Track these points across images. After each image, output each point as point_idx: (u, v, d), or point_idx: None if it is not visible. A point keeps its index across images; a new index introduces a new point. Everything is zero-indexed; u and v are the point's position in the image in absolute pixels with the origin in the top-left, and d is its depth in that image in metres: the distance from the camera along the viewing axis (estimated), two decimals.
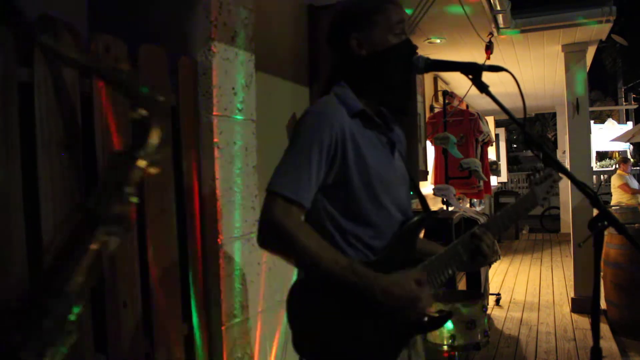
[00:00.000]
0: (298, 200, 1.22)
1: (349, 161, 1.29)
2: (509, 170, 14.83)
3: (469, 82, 1.36)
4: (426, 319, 1.32)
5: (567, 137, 5.38)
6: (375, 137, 1.39)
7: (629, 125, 15.14)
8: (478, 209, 6.69)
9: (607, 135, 13.49)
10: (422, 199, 1.50)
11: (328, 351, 1.28)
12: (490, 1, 3.95)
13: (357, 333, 1.27)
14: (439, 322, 1.37)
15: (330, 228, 1.33)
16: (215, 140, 1.91)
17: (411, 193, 1.53)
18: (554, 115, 15.55)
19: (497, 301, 5.37)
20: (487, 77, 1.34)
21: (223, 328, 1.90)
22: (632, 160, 11.26)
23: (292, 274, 2.46)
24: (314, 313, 1.29)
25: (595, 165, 13.78)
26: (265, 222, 1.23)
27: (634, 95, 18.66)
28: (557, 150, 10.89)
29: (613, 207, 7.00)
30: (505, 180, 12.42)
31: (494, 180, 8.70)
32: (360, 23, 1.37)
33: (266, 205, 1.23)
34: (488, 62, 4.12)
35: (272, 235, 1.23)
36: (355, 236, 1.33)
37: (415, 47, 1.40)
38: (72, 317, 0.85)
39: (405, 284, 1.24)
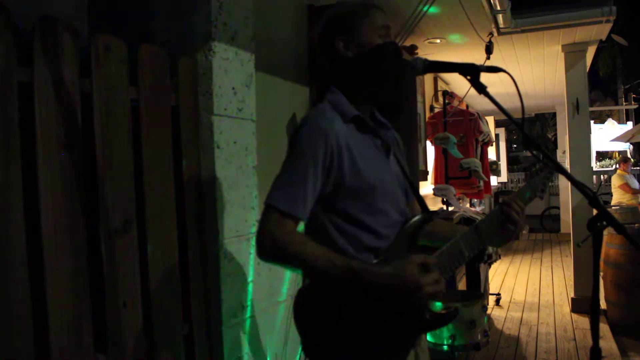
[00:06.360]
0: (292, 214, 1.25)
1: (345, 169, 1.31)
2: (509, 170, 14.81)
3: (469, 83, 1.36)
4: (429, 316, 1.31)
5: (567, 137, 5.38)
6: (370, 141, 1.41)
7: (629, 125, 15.13)
8: (478, 209, 6.68)
9: (607, 135, 13.48)
10: (421, 200, 1.50)
11: (339, 354, 1.28)
12: (490, 1, 3.95)
13: (366, 334, 1.27)
14: (446, 319, 1.36)
15: (333, 233, 1.34)
16: (215, 140, 1.91)
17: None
18: (554, 115, 15.54)
19: (497, 301, 5.37)
20: (487, 77, 1.34)
21: (223, 328, 1.90)
22: (632, 160, 11.25)
23: (292, 274, 2.46)
24: (322, 316, 1.29)
25: (595, 165, 13.77)
26: (259, 234, 1.27)
27: (634, 95, 18.65)
28: (557, 150, 10.88)
29: (613, 207, 6.99)
30: (505, 180, 12.42)
31: (494, 180, 8.70)
32: (345, 26, 1.40)
33: (262, 218, 1.28)
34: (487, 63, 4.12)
35: (266, 246, 1.26)
36: (357, 239, 1.34)
37: (400, 48, 1.42)
38: None
39: (402, 274, 1.21)
